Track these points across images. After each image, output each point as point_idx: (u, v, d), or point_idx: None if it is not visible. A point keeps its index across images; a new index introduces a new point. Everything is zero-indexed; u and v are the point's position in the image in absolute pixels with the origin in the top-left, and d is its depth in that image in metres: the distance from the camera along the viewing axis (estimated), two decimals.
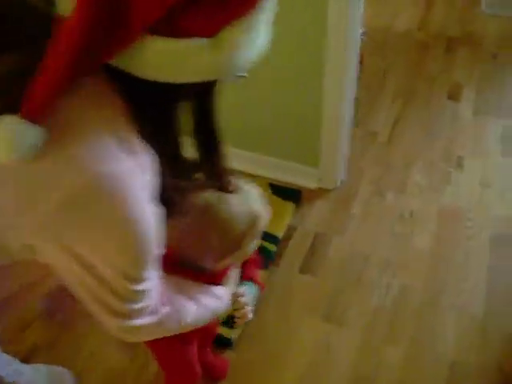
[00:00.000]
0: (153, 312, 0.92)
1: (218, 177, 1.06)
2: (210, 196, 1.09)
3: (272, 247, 2.20)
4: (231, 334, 1.89)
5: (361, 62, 3.04)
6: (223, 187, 1.10)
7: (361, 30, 2.40)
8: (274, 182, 2.45)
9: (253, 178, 2.09)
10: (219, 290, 1.15)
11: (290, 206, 2.38)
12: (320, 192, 2.46)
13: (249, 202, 1.13)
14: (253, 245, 1.18)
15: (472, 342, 1.93)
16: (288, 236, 2.28)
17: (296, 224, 2.33)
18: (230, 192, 1.11)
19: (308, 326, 1.98)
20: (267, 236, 2.22)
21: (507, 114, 2.90)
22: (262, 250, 2.00)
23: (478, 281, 2.12)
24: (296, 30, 2.00)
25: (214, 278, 1.20)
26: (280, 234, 2.27)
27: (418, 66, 3.27)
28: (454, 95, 3.04)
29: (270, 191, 2.41)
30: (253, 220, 1.13)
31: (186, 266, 1.16)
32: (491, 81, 3.17)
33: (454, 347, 1.91)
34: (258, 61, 0.77)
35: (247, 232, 1.13)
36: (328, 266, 2.18)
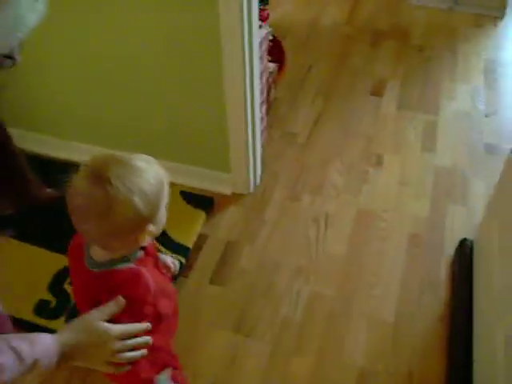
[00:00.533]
0: None
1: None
2: None
3: (181, 258, 2.13)
4: None
5: (281, 61, 3.02)
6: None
7: (266, 30, 2.36)
8: (187, 190, 2.38)
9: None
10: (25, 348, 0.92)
11: (201, 214, 2.32)
12: (234, 198, 2.41)
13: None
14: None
15: (382, 349, 1.91)
16: (199, 246, 2.22)
17: (207, 232, 2.27)
18: None
19: (217, 337, 1.94)
20: (176, 246, 2.16)
21: (430, 108, 2.88)
22: None
23: (391, 284, 2.09)
24: (190, 34, 1.94)
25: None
26: (190, 243, 2.21)
27: (342, 61, 3.24)
28: (377, 91, 3.01)
29: (181, 199, 2.35)
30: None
31: None
32: (416, 75, 3.15)
33: (364, 355, 1.88)
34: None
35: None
36: (239, 275, 2.13)
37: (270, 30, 2.54)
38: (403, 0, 3.86)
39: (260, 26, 2.26)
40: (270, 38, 2.61)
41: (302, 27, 3.57)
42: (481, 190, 2.45)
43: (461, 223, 2.31)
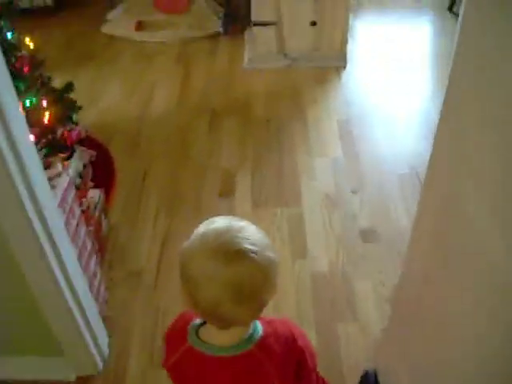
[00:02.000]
0: None
1: None
2: None
3: None
4: None
5: (110, 174, 2.58)
6: None
7: (67, 177, 1.91)
8: None
9: None
10: None
11: None
12: (84, 382, 1.92)
13: None
14: None
15: None
16: None
17: None
18: None
19: None
20: None
21: (291, 199, 2.58)
22: None
23: None
24: None
25: None
26: None
27: (180, 158, 2.85)
28: (227, 189, 2.65)
29: None
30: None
31: None
32: (267, 157, 2.83)
33: None
34: None
35: None
36: None
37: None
38: (237, 66, 3.56)
39: (58, 175, 1.79)
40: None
41: (130, 121, 3.16)
42: (368, 293, 2.13)
43: (358, 346, 1.97)
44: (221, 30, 3.87)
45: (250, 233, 0.97)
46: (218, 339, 1.03)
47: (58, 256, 1.60)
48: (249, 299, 0.96)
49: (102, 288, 2.13)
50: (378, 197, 2.59)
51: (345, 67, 3.56)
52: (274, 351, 1.04)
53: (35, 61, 2.34)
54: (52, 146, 2.27)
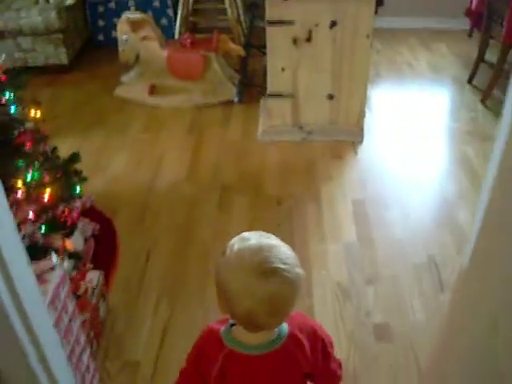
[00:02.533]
0: None
1: None
2: None
3: None
4: None
5: (112, 250, 2.49)
6: None
7: (61, 271, 1.81)
8: None
9: None
10: None
11: None
12: None
13: None
14: None
15: None
16: None
17: None
18: None
19: None
20: None
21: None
22: None
23: None
24: None
25: None
26: None
27: (188, 237, 2.74)
28: None
29: None
30: None
31: None
32: None
33: None
34: None
35: None
36: None
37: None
38: (250, 137, 3.49)
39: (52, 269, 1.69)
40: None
41: (137, 192, 3.08)
42: None
43: None
44: (236, 99, 3.82)
45: (281, 251, 1.12)
46: (252, 339, 1.19)
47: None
48: (281, 311, 1.14)
49: (95, 381, 2.00)
50: (393, 289, 2.46)
51: (361, 142, 3.47)
52: (302, 342, 1.22)
53: (39, 135, 2.27)
54: (51, 224, 2.18)
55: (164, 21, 4.85)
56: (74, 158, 2.50)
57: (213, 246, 2.65)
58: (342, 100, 3.37)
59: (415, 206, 2.97)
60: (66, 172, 2.44)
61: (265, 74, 3.41)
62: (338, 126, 3.45)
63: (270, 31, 3.15)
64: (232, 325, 1.23)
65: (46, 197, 2.12)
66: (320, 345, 1.27)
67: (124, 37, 3.68)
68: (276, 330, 1.20)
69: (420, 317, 2.34)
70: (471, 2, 4.43)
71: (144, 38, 3.68)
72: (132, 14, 3.68)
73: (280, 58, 3.23)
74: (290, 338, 1.21)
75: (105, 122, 3.75)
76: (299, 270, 1.13)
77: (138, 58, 3.82)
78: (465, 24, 4.94)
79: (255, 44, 4.30)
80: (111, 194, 3.05)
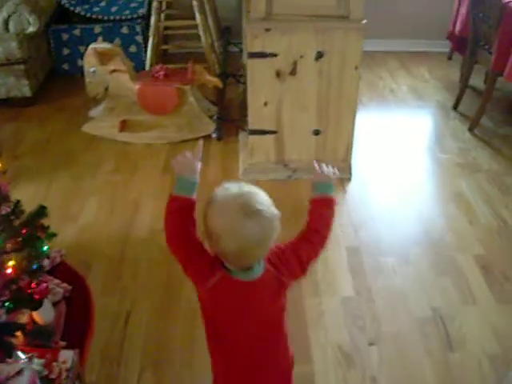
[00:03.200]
0: None
1: None
2: None
3: None
4: None
5: (87, 314, 2.24)
6: None
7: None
8: None
9: None
10: None
11: None
12: None
13: None
14: None
15: None
16: None
17: None
18: None
19: None
20: None
21: (300, 355, 2.21)
22: None
23: None
24: None
25: None
26: None
27: (169, 290, 2.51)
28: None
29: None
30: None
31: None
32: None
33: None
34: None
35: None
36: None
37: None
38: (231, 176, 3.28)
39: None
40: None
41: (111, 245, 2.83)
42: None
43: None
44: (214, 135, 3.60)
45: (259, 195, 1.34)
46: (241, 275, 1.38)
47: None
48: (265, 244, 1.34)
49: None
50: (398, 349, 2.27)
51: (350, 179, 3.28)
52: (276, 264, 1.42)
53: None
54: (16, 300, 1.92)
55: (133, 48, 4.61)
56: (40, 212, 2.23)
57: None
58: (328, 135, 3.18)
59: (412, 251, 2.79)
60: (31, 229, 2.18)
61: (242, 105, 3.21)
62: (325, 163, 3.25)
63: (252, 64, 2.95)
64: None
65: (10, 269, 1.86)
66: (289, 256, 1.47)
67: (91, 69, 3.43)
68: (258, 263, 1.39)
69: (429, 380, 2.14)
70: (454, 26, 4.30)
71: (113, 71, 3.44)
72: (100, 45, 3.43)
73: (262, 92, 3.03)
74: (268, 263, 1.42)
75: (73, 162, 3.49)
76: (275, 210, 1.35)
77: (106, 90, 3.57)
78: (444, 46, 4.83)
79: (231, 72, 4.10)
80: (83, 246, 2.80)
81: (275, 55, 2.91)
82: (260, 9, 2.82)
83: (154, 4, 3.83)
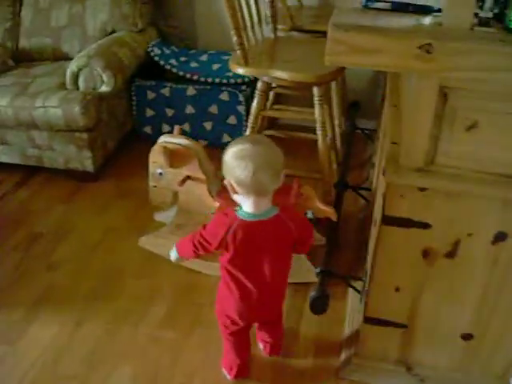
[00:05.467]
0: None
1: None
2: None
3: None
4: None
5: None
6: None
7: None
8: None
9: None
10: None
11: None
12: None
13: None
14: None
15: None
16: None
17: None
18: None
19: None
20: None
21: None
22: None
23: None
24: None
25: None
26: None
27: None
28: None
29: None
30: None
31: None
32: None
33: None
34: None
35: None
36: None
37: None
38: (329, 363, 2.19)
39: None
40: None
41: None
42: None
43: None
44: (313, 295, 2.49)
45: (264, 138, 1.75)
46: (256, 210, 1.66)
47: None
48: (276, 170, 1.62)
49: None
50: None
51: None
52: (291, 216, 1.72)
53: None
54: None
55: (232, 119, 3.64)
56: None
57: None
58: (485, 343, 2.04)
59: None
60: None
61: (362, 230, 2.11)
62: (472, 377, 2.11)
63: (387, 232, 1.86)
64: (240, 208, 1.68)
65: None
66: (304, 226, 1.80)
67: (158, 171, 2.46)
68: (271, 205, 1.68)
69: None
70: None
71: (186, 179, 2.46)
72: (173, 139, 2.44)
73: (396, 272, 1.95)
74: (282, 211, 1.70)
75: (116, 292, 2.54)
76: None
77: (176, 196, 2.59)
78: None
79: (352, 183, 3.02)
80: None
81: (428, 226, 1.80)
82: (416, 153, 1.73)
83: (259, 85, 2.78)
